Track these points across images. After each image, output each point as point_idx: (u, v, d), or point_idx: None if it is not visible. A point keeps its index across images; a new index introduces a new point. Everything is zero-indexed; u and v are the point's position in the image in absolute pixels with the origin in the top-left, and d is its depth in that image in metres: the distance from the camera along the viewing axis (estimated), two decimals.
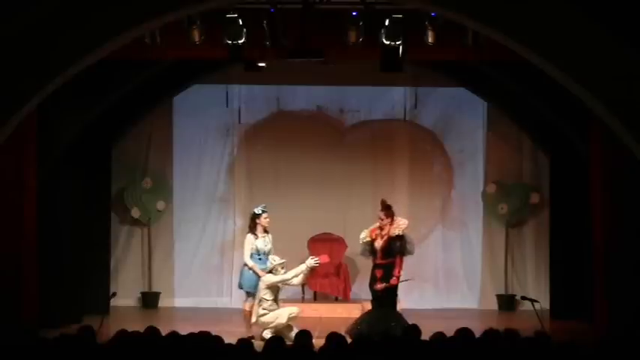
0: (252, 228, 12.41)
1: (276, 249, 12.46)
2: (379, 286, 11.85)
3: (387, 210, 12.01)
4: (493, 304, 15.16)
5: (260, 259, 12.23)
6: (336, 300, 14.76)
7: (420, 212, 15.03)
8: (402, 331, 8.32)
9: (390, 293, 11.91)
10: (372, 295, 12.02)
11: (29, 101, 9.41)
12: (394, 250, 11.87)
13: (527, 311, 12.67)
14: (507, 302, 15.00)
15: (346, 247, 14.68)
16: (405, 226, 11.99)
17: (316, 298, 14.85)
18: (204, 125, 15.45)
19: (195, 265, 15.45)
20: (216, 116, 15.41)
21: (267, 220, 12.35)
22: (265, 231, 12.37)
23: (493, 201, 15.19)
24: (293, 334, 10.94)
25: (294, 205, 15.01)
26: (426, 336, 7.64)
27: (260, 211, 12.35)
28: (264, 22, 11.71)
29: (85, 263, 13.88)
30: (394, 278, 11.81)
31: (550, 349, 7.08)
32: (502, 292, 15.16)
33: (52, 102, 10.89)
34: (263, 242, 12.30)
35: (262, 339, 11.39)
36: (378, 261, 11.96)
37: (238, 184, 15.50)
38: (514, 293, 14.99)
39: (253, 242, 12.29)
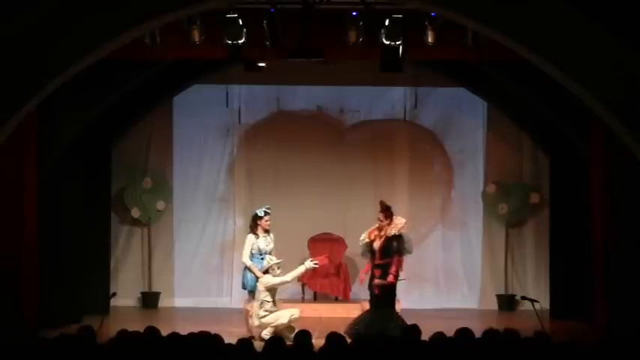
0: (253, 228, 12.39)
1: (277, 249, 12.45)
2: (376, 281, 11.84)
3: (387, 211, 11.99)
4: (493, 304, 15.16)
5: (262, 258, 12.21)
6: (336, 300, 14.75)
7: (420, 212, 15.04)
8: (402, 331, 8.32)
9: (389, 293, 11.90)
10: (371, 295, 12.02)
11: (29, 101, 9.40)
12: (392, 249, 11.86)
13: (527, 311, 12.67)
14: (507, 302, 15.00)
15: (346, 247, 14.67)
16: (401, 225, 11.97)
17: (316, 298, 14.84)
18: (204, 125, 15.44)
19: (195, 265, 15.44)
20: (216, 116, 15.40)
21: (269, 222, 12.33)
22: (266, 231, 12.36)
23: (493, 201, 15.18)
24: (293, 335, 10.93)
25: (294, 205, 15.00)
26: (426, 336, 7.64)
27: (262, 213, 12.31)
28: (264, 22, 11.70)
29: (85, 263, 13.88)
30: (390, 276, 11.79)
31: (550, 349, 7.08)
32: (502, 292, 15.15)
33: (52, 102, 10.89)
34: (264, 242, 12.29)
35: (262, 339, 11.39)
36: (377, 261, 11.95)
37: (238, 184, 15.49)
38: (514, 293, 14.98)
39: (254, 242, 12.28)
